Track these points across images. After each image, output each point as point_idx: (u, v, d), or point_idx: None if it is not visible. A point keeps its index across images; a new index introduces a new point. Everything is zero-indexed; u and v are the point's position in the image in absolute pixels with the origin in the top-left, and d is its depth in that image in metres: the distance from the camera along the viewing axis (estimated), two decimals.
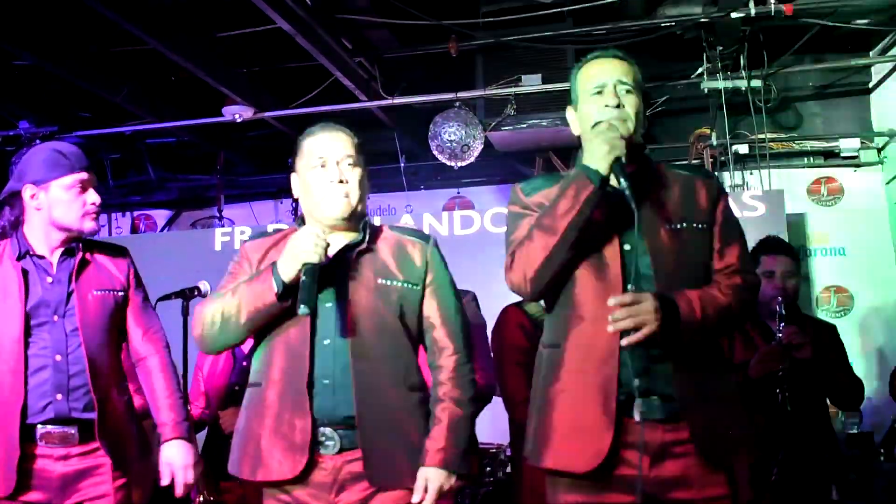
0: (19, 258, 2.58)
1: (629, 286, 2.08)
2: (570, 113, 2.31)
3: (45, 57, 4.74)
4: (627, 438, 2.05)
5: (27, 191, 2.59)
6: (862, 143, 5.98)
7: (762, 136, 5.76)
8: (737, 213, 6.04)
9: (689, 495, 2.05)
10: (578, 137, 2.24)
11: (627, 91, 2.17)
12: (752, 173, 6.18)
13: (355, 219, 2.32)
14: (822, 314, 6.12)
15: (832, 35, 5.18)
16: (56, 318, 2.54)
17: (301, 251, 2.13)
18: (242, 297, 2.19)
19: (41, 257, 2.59)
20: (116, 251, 2.76)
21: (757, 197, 5.72)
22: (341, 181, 2.26)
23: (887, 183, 6.06)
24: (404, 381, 2.26)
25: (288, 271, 2.14)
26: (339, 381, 2.19)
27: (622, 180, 2.03)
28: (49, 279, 2.57)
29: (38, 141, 5.66)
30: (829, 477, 3.39)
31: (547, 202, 2.16)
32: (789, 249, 3.44)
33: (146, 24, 4.39)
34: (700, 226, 2.18)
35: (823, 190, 6.25)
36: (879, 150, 6.05)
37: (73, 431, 2.49)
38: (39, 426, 2.48)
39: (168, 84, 5.61)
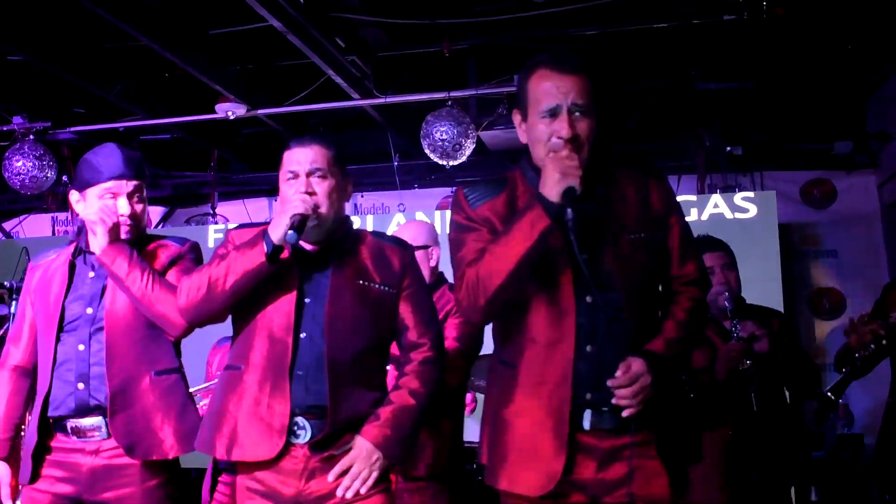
0: (74, 255, 2.67)
1: (587, 298, 2.05)
2: (516, 117, 2.18)
3: (37, 53, 4.74)
4: (578, 446, 2.07)
5: (72, 196, 2.68)
6: (856, 145, 5.98)
7: (755, 137, 5.77)
8: (727, 214, 6.08)
9: (631, 493, 2.06)
10: (526, 145, 2.17)
11: (581, 114, 2.06)
12: (745, 175, 6.20)
13: (330, 225, 2.37)
14: (814, 317, 6.13)
15: (828, 37, 5.18)
16: (89, 310, 2.59)
17: (288, 208, 2.25)
18: (231, 262, 2.28)
19: (93, 254, 2.63)
20: (163, 243, 2.73)
21: (748, 199, 5.73)
22: (309, 193, 2.31)
23: (880, 186, 6.07)
24: (369, 381, 2.36)
25: (278, 229, 2.24)
26: (312, 373, 2.28)
27: (569, 211, 1.96)
28: (91, 273, 2.63)
29: (31, 136, 5.68)
30: (809, 478, 3.42)
31: (493, 217, 2.12)
32: (722, 244, 3.46)
33: (138, 22, 4.39)
34: (656, 233, 2.16)
35: (817, 192, 6.26)
36: (873, 153, 6.06)
37: (100, 423, 2.52)
38: (70, 420, 2.53)
39: (161, 81, 5.61)
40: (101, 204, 2.60)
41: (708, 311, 2.29)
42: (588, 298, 2.06)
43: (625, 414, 2.00)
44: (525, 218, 2.00)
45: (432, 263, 3.46)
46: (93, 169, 2.62)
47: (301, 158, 2.35)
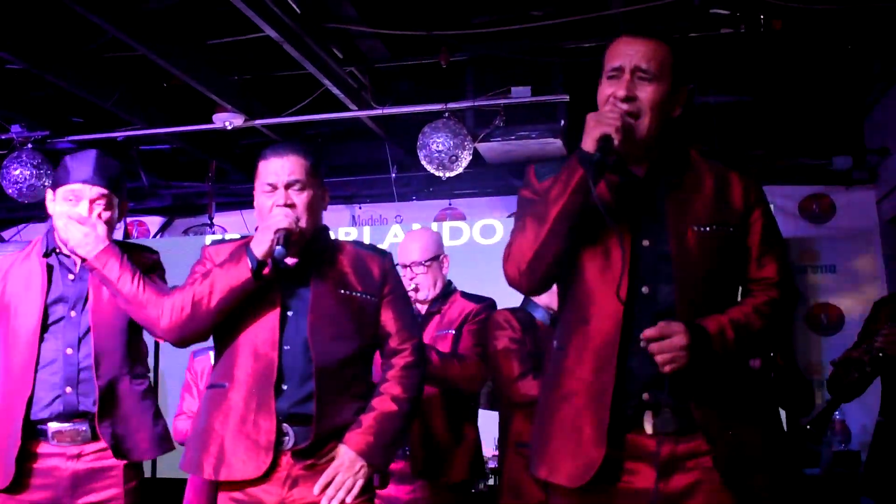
0: (46, 255, 2.64)
1: (643, 288, 1.95)
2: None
3: (36, 62, 4.75)
4: (635, 451, 1.95)
5: (48, 194, 2.67)
6: (854, 161, 5.97)
7: (754, 151, 5.76)
8: None
9: None
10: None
11: (645, 79, 1.95)
12: None
13: (310, 237, 2.37)
14: (811, 332, 6.10)
15: (826, 51, 5.17)
16: (73, 313, 2.58)
17: (272, 223, 2.23)
18: (215, 279, 2.25)
19: (67, 256, 2.63)
20: (138, 250, 2.74)
21: None
22: (289, 206, 2.30)
23: (879, 201, 6.05)
24: (353, 390, 2.35)
25: (261, 244, 2.22)
26: (297, 384, 2.27)
27: (597, 154, 1.86)
28: (71, 276, 2.62)
29: (29, 145, 5.68)
30: (800, 496, 3.39)
31: None
32: None
33: (137, 32, 4.39)
34: (732, 229, 2.02)
35: (815, 207, 6.25)
36: (872, 169, 6.04)
37: (84, 428, 2.52)
38: (51, 424, 2.50)
39: (160, 90, 5.61)
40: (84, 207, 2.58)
41: (788, 314, 2.09)
42: (644, 289, 1.96)
43: (658, 360, 1.87)
44: (562, 174, 1.93)
45: (445, 271, 3.43)
46: (64, 169, 2.62)
47: (278, 170, 2.32)
